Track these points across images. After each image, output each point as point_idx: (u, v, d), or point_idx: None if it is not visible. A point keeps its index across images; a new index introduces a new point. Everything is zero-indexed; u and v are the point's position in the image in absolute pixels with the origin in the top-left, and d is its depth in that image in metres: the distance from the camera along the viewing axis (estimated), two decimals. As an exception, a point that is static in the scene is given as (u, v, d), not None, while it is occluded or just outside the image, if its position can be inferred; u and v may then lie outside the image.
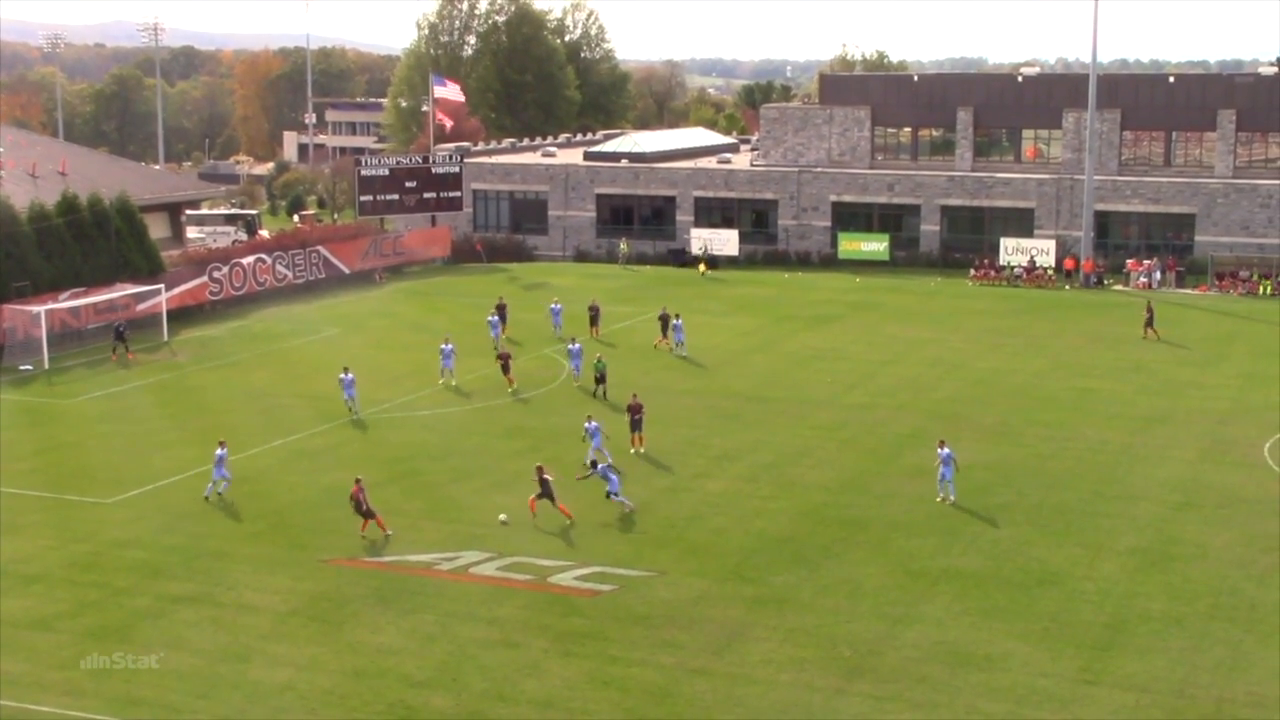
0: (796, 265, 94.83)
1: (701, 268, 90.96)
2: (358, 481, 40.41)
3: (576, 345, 58.83)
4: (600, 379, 55.51)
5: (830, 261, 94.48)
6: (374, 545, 39.08)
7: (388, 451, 47.57)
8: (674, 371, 61.42)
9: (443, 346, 59.35)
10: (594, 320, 67.52)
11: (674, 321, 64.59)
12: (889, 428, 51.85)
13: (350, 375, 53.35)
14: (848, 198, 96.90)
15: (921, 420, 52.69)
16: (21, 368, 63.37)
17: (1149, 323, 68.64)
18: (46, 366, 63.39)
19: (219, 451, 43.42)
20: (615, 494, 41.47)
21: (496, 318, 65.93)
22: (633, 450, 48.12)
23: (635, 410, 48.36)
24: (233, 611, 34.63)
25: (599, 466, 42.30)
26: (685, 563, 37.71)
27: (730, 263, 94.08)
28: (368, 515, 39.81)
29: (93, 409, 56.22)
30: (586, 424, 46.91)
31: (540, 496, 40.67)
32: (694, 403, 55.68)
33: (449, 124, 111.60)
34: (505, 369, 58.04)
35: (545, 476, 40.91)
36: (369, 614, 34.33)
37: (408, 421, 53.29)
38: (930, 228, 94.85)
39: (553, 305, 67.88)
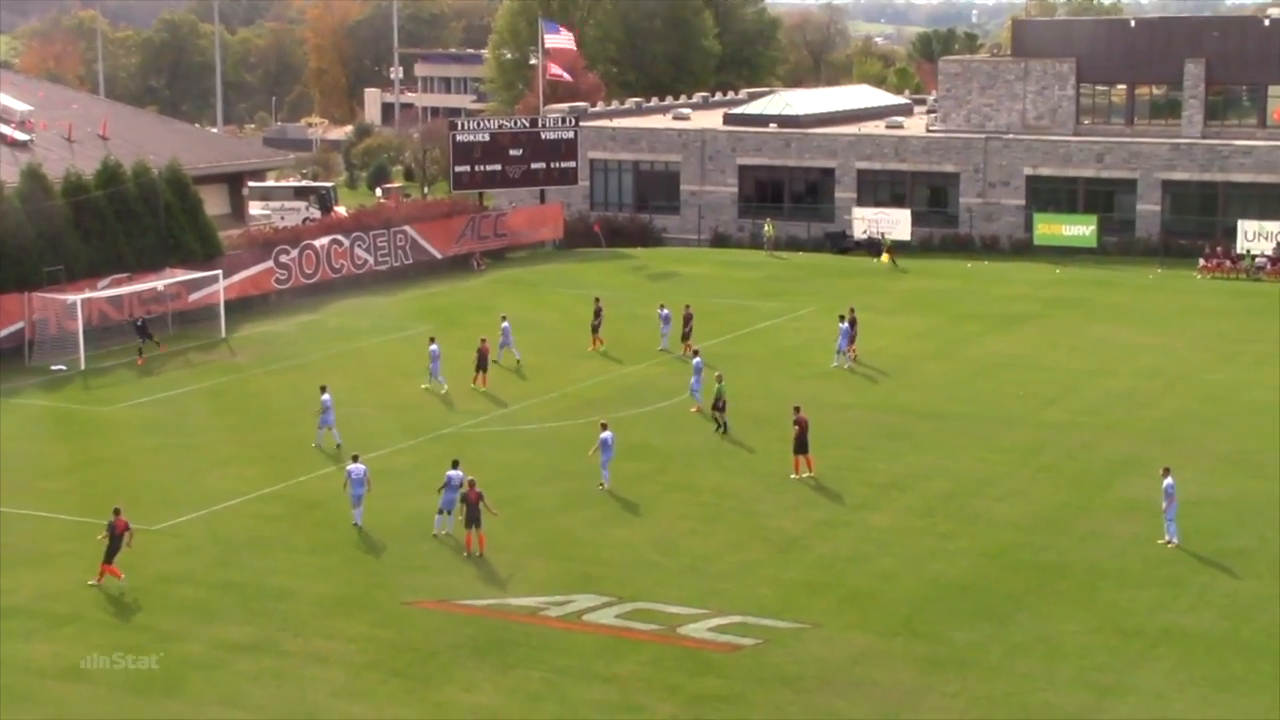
0: (982, 253, 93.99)
1: (885, 258, 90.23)
2: (472, 484, 41.76)
3: (699, 360, 57.62)
4: (719, 405, 53.86)
5: (1024, 248, 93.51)
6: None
7: (486, 473, 47.72)
8: (832, 381, 61.13)
9: (430, 348, 59.93)
10: (686, 332, 65.56)
11: (842, 325, 63.58)
12: (1096, 452, 51.19)
13: (327, 396, 52.42)
14: (1046, 171, 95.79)
15: (1137, 444, 51.98)
16: (53, 368, 64.54)
17: None
18: (83, 367, 64.49)
19: (454, 474, 43.42)
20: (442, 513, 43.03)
21: (508, 325, 64.51)
22: (795, 476, 48.09)
23: (806, 426, 48.19)
24: (300, 662, 34.97)
25: (453, 473, 43.10)
26: (844, 613, 37.50)
27: (901, 249, 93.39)
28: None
29: (136, 417, 57.13)
30: (602, 434, 47.29)
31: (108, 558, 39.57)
32: (855, 419, 55.36)
33: (565, 77, 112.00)
34: (481, 364, 59.26)
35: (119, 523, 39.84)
36: (462, 668, 34.49)
37: (510, 438, 53.55)
38: (1149, 207, 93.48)
39: (661, 311, 67.20)
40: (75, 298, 65.71)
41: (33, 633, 36.68)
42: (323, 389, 53.06)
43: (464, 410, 56.96)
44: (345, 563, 41.28)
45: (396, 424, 55.20)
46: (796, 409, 49.17)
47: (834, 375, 61.89)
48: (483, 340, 61.03)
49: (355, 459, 44.56)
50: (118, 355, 66.64)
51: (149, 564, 41.21)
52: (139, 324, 66.86)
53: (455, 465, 43.40)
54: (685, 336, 65.14)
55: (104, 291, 68.60)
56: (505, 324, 64.87)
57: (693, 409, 55.84)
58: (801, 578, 39.95)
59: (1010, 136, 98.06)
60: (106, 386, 61.90)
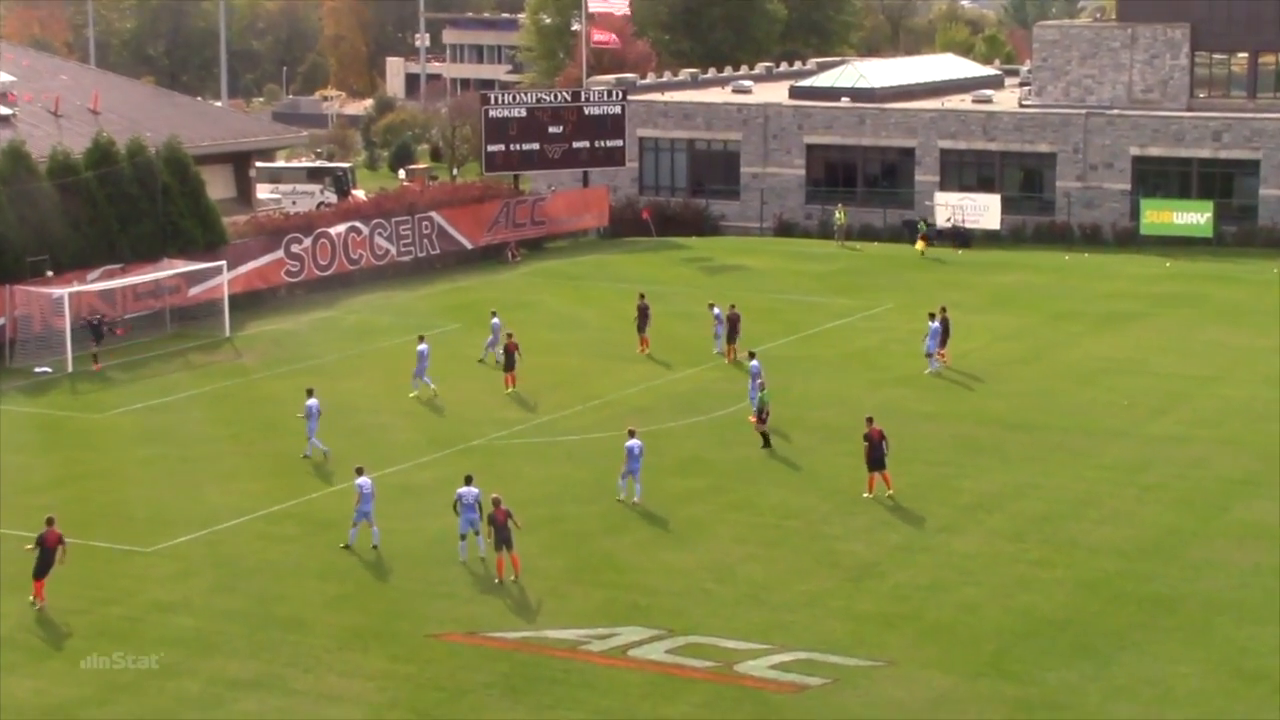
0: (1081, 244, 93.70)
1: (919, 245, 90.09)
2: (497, 502, 41.63)
3: (756, 363, 57.31)
4: (762, 416, 53.65)
5: (1129, 239, 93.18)
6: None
7: (521, 490, 47.88)
8: (911, 388, 61.01)
9: (419, 348, 60.30)
10: (732, 334, 65.44)
11: (931, 324, 63.26)
12: (1211, 470, 50.99)
13: (314, 402, 52.78)
14: (1155, 151, 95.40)
15: (1257, 461, 51.74)
16: (37, 370, 64.85)
17: None
18: (70, 369, 64.84)
19: (466, 490, 43.47)
20: (467, 533, 42.73)
21: (498, 322, 65.24)
22: (868, 494, 48.10)
23: (877, 439, 48.21)
24: (311, 702, 35.08)
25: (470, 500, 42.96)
26: (923, 649, 37.44)
27: (990, 239, 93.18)
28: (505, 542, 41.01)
29: (130, 426, 57.40)
30: (628, 441, 47.69)
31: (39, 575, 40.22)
32: (937, 431, 55.28)
33: (611, 41, 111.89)
34: (509, 363, 60.34)
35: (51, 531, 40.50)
36: (493, 709, 34.54)
37: (549, 450, 53.62)
38: (1273, 192, 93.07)
39: (713, 310, 67.06)
40: (63, 291, 65.95)
41: (15, 667, 36.82)
42: (309, 392, 53.31)
43: (495, 419, 57.04)
44: (362, 590, 41.38)
45: (420, 434, 55.33)
46: (869, 420, 49.01)
47: (913, 382, 61.69)
48: (509, 335, 61.24)
49: (360, 472, 44.61)
50: (110, 356, 66.88)
51: (143, 590, 41.41)
52: (96, 323, 66.19)
53: (468, 481, 43.34)
54: (731, 340, 65.05)
55: (95, 285, 68.88)
56: (495, 320, 65.44)
57: (751, 418, 55.81)
58: (875, 609, 39.88)
59: (1115, 112, 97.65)
60: (96, 391, 62.20)
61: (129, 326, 67.96)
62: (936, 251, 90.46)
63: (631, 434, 48.16)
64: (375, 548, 43.65)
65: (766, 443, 53.33)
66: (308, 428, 52.54)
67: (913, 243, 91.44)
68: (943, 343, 63.48)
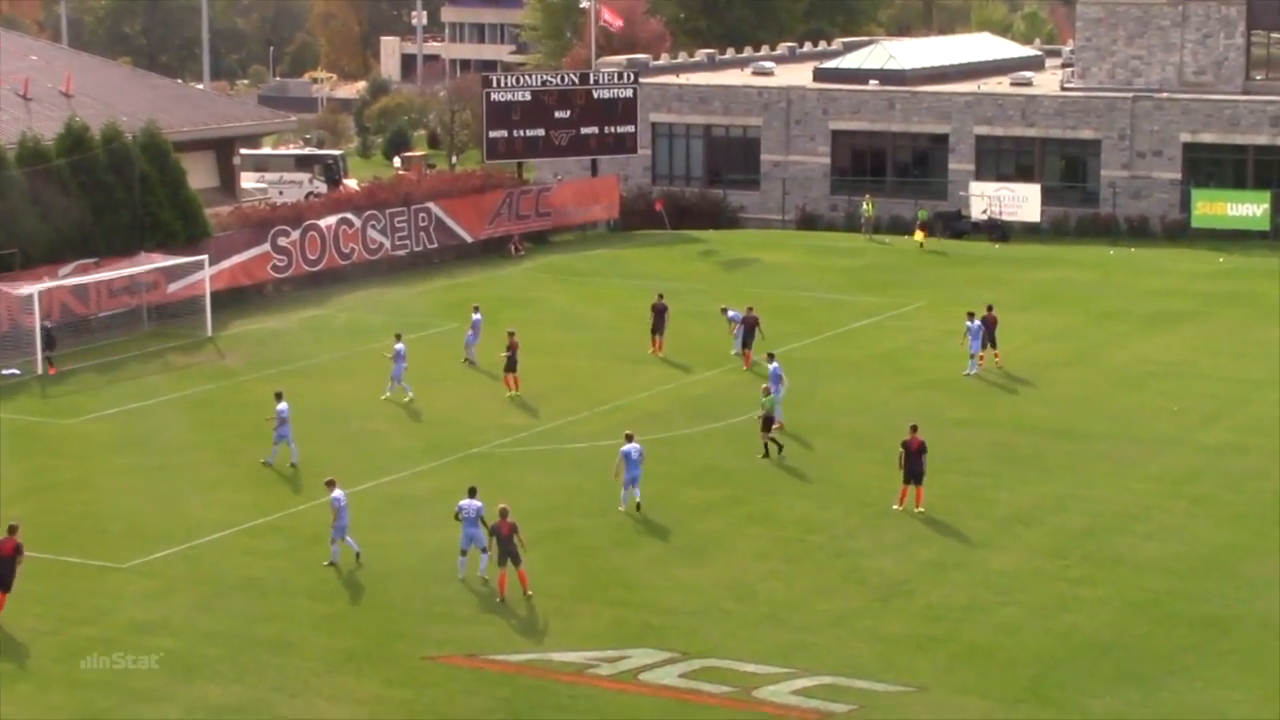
0: (1128, 237, 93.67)
1: (918, 235, 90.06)
2: (503, 513, 41.48)
3: (775, 365, 57.10)
4: (768, 425, 53.67)
5: (1179, 232, 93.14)
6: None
7: (526, 501, 47.83)
8: (942, 392, 60.97)
9: (396, 347, 60.32)
10: (748, 338, 65.11)
11: (970, 324, 62.90)
12: (1267, 481, 50.84)
13: (284, 406, 52.76)
14: (1208, 137, 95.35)
15: (1317, 471, 51.68)
16: (5, 372, 64.77)
17: None
18: (40, 370, 64.99)
19: (467, 504, 43.49)
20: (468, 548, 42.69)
21: (479, 318, 65.34)
22: (898, 506, 48.07)
23: (917, 449, 48.04)
24: (298, 728, 35.11)
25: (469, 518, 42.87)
26: (957, 674, 37.40)
27: (1029, 232, 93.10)
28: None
29: (105, 432, 57.42)
30: (625, 446, 47.74)
31: None
32: (971, 438, 55.25)
33: (617, 24, 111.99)
34: (510, 365, 60.25)
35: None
36: (493, 737, 34.54)
37: (554, 458, 53.63)
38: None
39: (727, 313, 66.88)
40: (32, 288, 65.95)
41: (-21, 690, 36.95)
42: (278, 396, 53.29)
43: (497, 425, 57.02)
44: (353, 609, 41.37)
45: (417, 441, 55.33)
46: (913, 428, 48.54)
47: (946, 385, 61.62)
48: (511, 334, 61.00)
49: (332, 485, 44.47)
50: (83, 357, 67.01)
51: (119, 609, 41.40)
52: (49, 330, 65.48)
53: (472, 493, 43.22)
54: (747, 344, 64.84)
55: (67, 280, 68.92)
56: (477, 316, 65.48)
57: (779, 424, 55.75)
58: (905, 631, 39.85)
59: (1164, 96, 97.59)
60: (69, 395, 62.24)
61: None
62: (963, 245, 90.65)
63: (629, 438, 48.14)
64: (357, 555, 43.60)
65: (778, 449, 53.35)
66: (279, 432, 52.53)
67: (943, 236, 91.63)
68: (984, 343, 63.27)
